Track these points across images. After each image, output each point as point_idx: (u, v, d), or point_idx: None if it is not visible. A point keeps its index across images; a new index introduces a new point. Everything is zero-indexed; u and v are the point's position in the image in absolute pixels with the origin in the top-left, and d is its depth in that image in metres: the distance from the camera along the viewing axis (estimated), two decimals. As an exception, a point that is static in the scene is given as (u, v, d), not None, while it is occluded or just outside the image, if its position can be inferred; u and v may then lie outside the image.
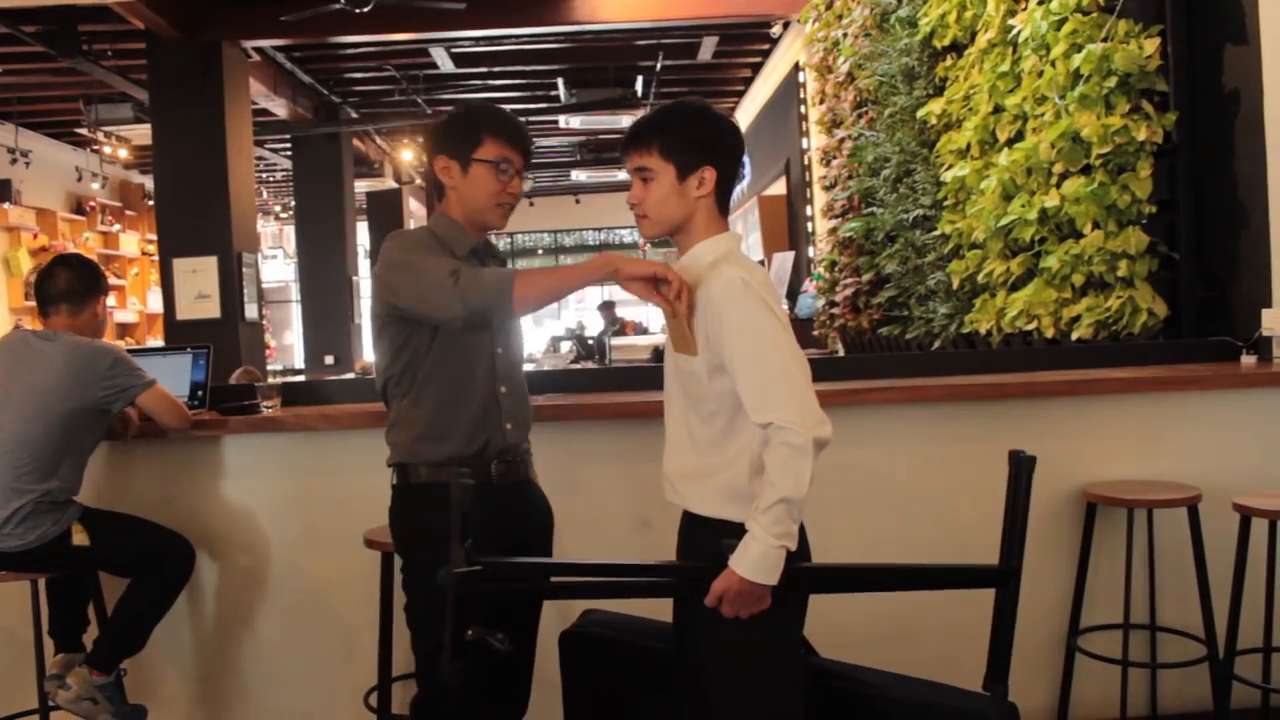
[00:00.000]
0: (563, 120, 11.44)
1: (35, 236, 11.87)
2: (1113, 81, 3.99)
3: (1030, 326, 4.52)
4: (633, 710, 2.62)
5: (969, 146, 5.03)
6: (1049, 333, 4.42)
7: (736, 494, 2.12)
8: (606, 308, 13.68)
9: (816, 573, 2.24)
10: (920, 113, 5.55)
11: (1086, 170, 4.14)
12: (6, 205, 11.38)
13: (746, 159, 12.79)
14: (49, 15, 7.50)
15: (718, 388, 2.12)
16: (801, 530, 2.22)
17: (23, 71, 9.46)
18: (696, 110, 2.25)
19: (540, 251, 21.45)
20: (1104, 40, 4.02)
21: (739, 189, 12.07)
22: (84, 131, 10.53)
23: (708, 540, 2.11)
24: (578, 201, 19.55)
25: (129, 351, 3.31)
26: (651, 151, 2.19)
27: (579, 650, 2.66)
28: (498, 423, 2.52)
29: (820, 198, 8.43)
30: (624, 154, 2.26)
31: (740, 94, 12.68)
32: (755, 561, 1.98)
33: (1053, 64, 4.26)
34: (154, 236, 11.99)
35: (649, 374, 3.97)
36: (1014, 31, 4.55)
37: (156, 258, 10.36)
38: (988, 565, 2.25)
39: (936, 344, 5.53)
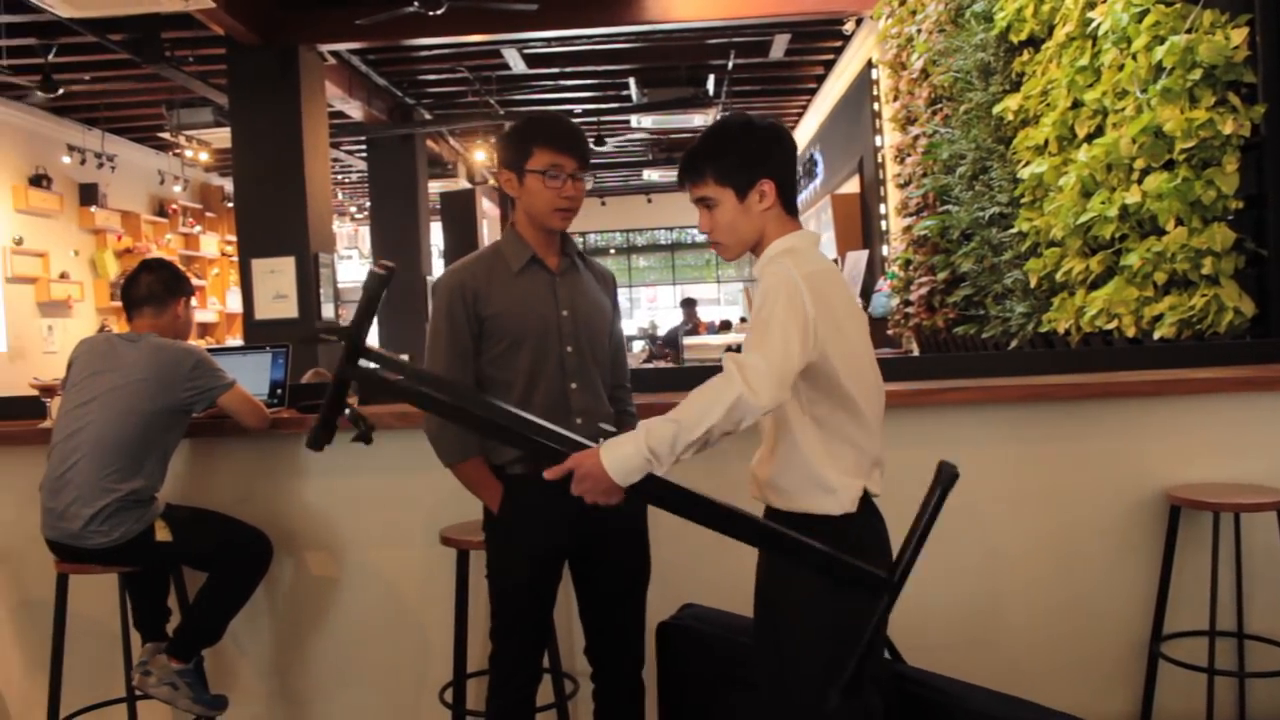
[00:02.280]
0: (634, 120, 11.46)
1: (120, 238, 12.17)
2: (1197, 74, 3.89)
3: (1110, 326, 4.43)
4: (721, 703, 2.66)
5: (1047, 142, 4.95)
6: (1130, 332, 4.33)
7: (811, 484, 2.14)
8: (688, 304, 13.69)
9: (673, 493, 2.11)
10: (996, 109, 5.47)
11: (1169, 165, 4.05)
12: (93, 208, 11.68)
13: (819, 156, 12.75)
14: (134, 23, 7.69)
15: None
16: (882, 528, 2.23)
17: (109, 79, 9.70)
18: (739, 127, 2.26)
19: (612, 251, 21.52)
20: (1188, 32, 3.92)
21: (813, 186, 11.96)
22: (166, 135, 10.76)
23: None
24: (649, 201, 19.57)
25: (210, 351, 3.37)
26: (706, 180, 2.23)
27: (673, 641, 2.76)
28: (566, 418, 2.62)
29: (894, 195, 8.34)
30: (682, 186, 2.31)
31: (812, 92, 12.60)
32: (619, 459, 1.96)
33: (1134, 57, 4.17)
34: (233, 238, 12.21)
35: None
36: (1093, 25, 4.47)
37: (236, 258, 10.56)
38: (875, 572, 2.10)
39: (1013, 343, 5.45)
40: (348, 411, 2.12)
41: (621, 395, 2.89)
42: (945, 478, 2.06)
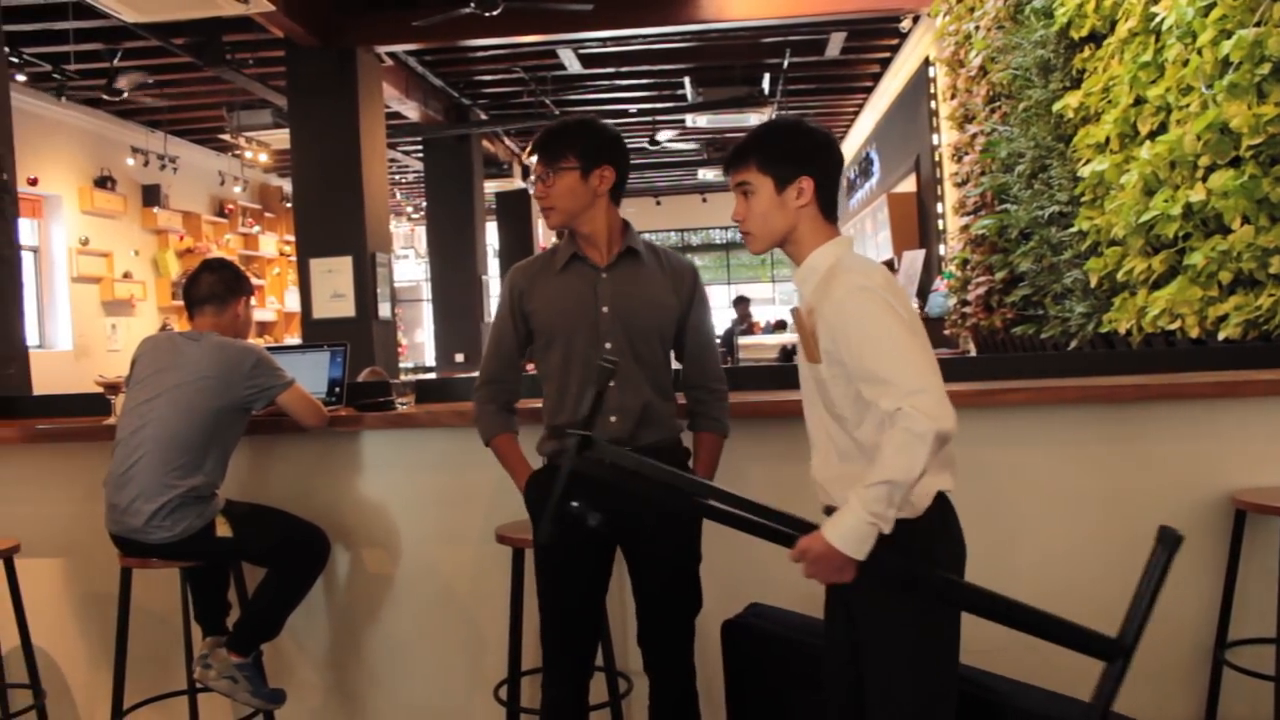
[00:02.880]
0: (689, 119, 11.44)
1: (181, 239, 12.38)
2: (1266, 68, 3.80)
3: (1173, 326, 4.35)
4: (784, 701, 2.67)
5: (1108, 140, 4.87)
6: (1194, 332, 4.25)
7: None
8: (741, 302, 13.61)
9: (953, 587, 2.17)
10: (1056, 106, 5.39)
11: (1235, 163, 3.97)
12: (156, 209, 11.89)
13: (875, 155, 12.65)
14: (196, 27, 7.82)
15: (849, 394, 2.13)
16: (957, 530, 2.22)
17: (171, 82, 9.87)
18: (791, 124, 2.35)
19: (666, 250, 21.49)
20: (1256, 24, 3.84)
21: (869, 185, 11.87)
22: (226, 137, 10.94)
23: None
24: (704, 200, 19.56)
25: (269, 349, 3.42)
26: (749, 166, 2.27)
27: (737, 639, 2.79)
28: (600, 414, 2.59)
29: (952, 194, 8.27)
30: (726, 173, 2.35)
31: (869, 90, 12.51)
32: (845, 532, 1.98)
33: (1199, 52, 4.09)
34: (292, 237, 12.41)
35: (776, 373, 3.94)
36: (1157, 19, 4.39)
37: (294, 258, 10.71)
38: (1103, 634, 2.12)
39: (1073, 344, 5.38)
40: (575, 505, 2.19)
41: (704, 397, 2.85)
42: (1169, 541, 2.05)
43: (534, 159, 2.71)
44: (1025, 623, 2.09)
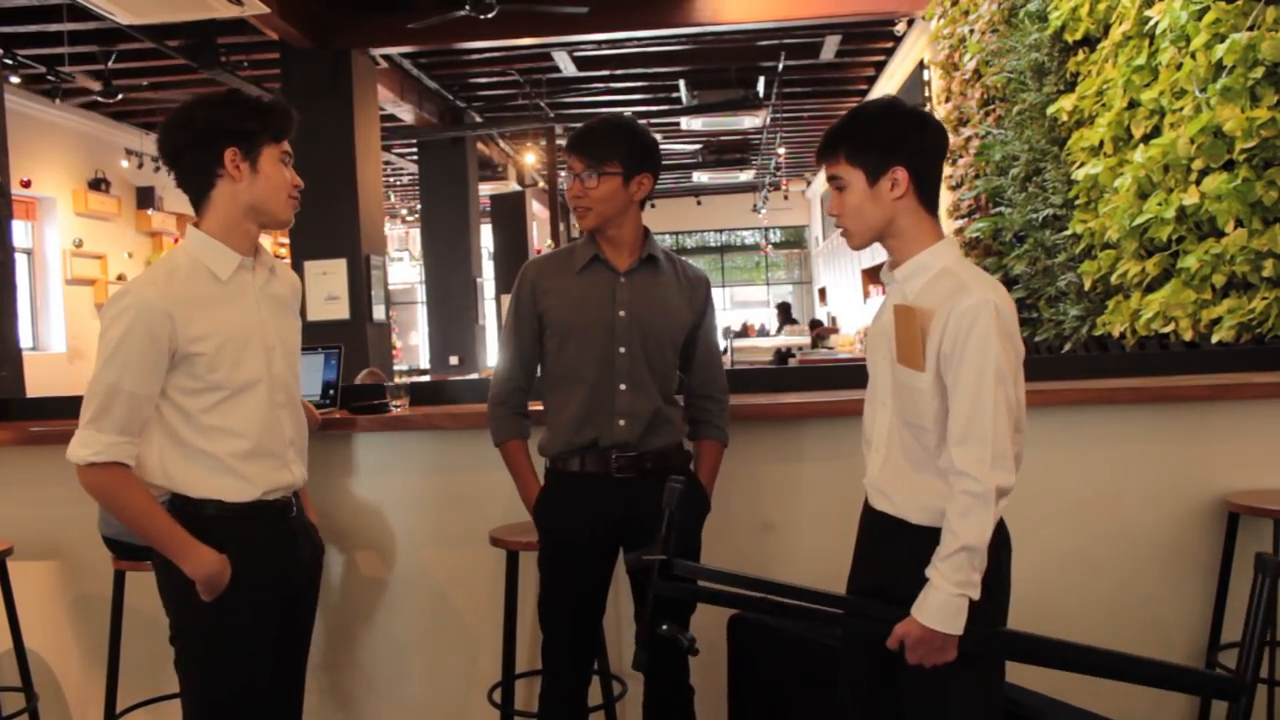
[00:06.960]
0: (684, 122, 11.46)
1: (175, 241, 12.34)
2: (1259, 72, 3.82)
3: (1167, 329, 4.36)
4: (789, 698, 2.67)
5: (1102, 143, 4.88)
6: (1187, 335, 4.26)
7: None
8: (784, 309, 13.70)
9: (1015, 640, 2.14)
10: (1050, 109, 5.41)
11: (1229, 166, 3.98)
12: (150, 211, 11.87)
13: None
14: (190, 29, 7.81)
15: (940, 407, 2.05)
16: (1004, 572, 2.15)
17: (166, 84, 9.86)
18: (882, 109, 2.16)
19: (660, 253, 21.50)
20: (1250, 29, 3.86)
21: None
22: (221, 139, 10.92)
23: (911, 542, 2.08)
24: (699, 203, 19.57)
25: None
26: (839, 159, 2.13)
27: (744, 635, 2.77)
28: (609, 420, 2.64)
29: (946, 198, 8.28)
30: (817, 164, 2.23)
31: (863, 94, 12.52)
32: (935, 610, 1.96)
33: (1193, 56, 4.10)
34: (286, 240, 12.38)
35: (771, 376, 3.95)
36: (1151, 23, 4.40)
37: (288, 260, 10.69)
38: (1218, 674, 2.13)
39: (1067, 347, 5.39)
40: (665, 628, 2.20)
41: (707, 405, 2.84)
42: (1270, 568, 2.03)
43: (574, 155, 2.64)
44: (1135, 673, 2.11)
